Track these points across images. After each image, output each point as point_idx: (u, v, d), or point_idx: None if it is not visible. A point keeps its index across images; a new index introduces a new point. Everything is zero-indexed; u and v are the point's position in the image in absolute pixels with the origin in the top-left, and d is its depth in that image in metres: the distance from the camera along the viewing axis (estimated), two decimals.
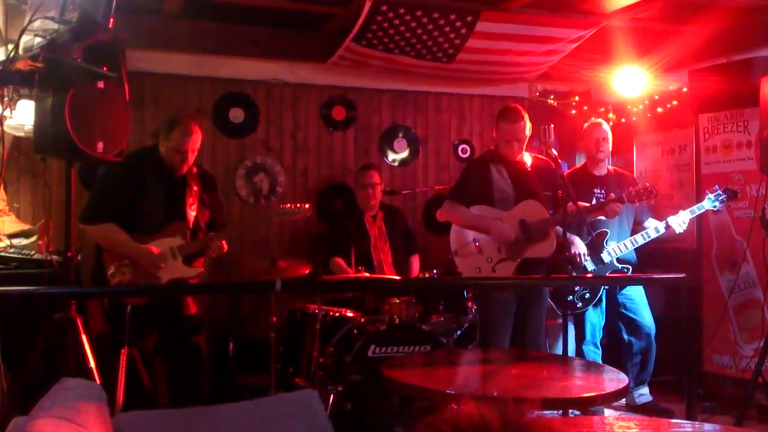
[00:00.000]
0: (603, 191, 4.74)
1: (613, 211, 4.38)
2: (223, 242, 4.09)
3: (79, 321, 2.83)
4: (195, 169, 4.09)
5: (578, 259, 4.47)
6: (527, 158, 4.33)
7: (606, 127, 4.90)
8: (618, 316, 4.86)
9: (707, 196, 4.54)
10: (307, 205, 4.27)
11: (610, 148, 4.91)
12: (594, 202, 4.65)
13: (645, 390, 4.84)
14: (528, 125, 4.25)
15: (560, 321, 4.67)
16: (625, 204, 4.37)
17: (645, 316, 4.79)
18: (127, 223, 3.84)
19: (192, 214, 4.00)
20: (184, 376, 4.01)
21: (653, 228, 4.62)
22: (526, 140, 4.28)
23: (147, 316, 3.77)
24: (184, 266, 3.94)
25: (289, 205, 4.29)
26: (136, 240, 3.84)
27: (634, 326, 4.81)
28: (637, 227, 4.75)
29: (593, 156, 4.84)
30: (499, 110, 4.43)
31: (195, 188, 4.05)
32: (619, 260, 4.63)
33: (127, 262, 3.83)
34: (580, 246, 4.50)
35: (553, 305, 4.70)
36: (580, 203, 4.27)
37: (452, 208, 4.32)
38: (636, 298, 4.81)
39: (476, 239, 4.24)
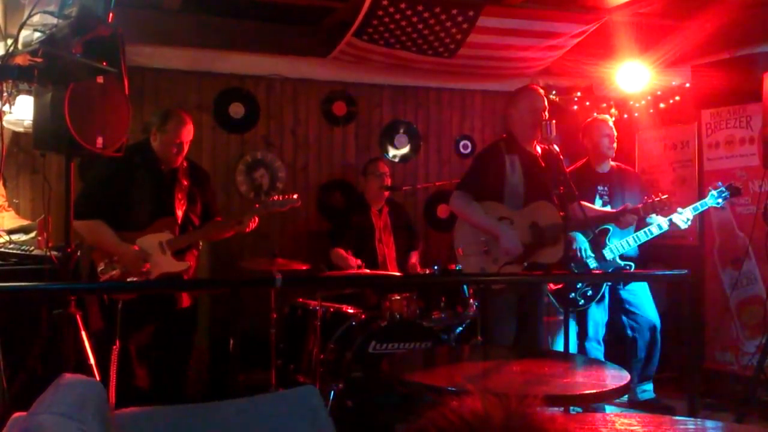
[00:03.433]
0: (606, 188, 4.71)
1: (627, 223, 4.32)
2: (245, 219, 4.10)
3: (78, 317, 2.82)
4: (185, 164, 4.09)
5: (579, 255, 4.43)
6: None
7: (610, 122, 4.87)
8: (621, 313, 4.83)
9: (710, 193, 4.49)
10: (295, 196, 4.26)
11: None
12: (597, 199, 4.62)
13: (648, 386, 4.82)
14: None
15: (562, 317, 4.64)
16: (631, 196, 4.31)
17: (649, 312, 4.76)
18: (115, 218, 3.84)
19: (181, 209, 4.00)
20: (170, 372, 4.01)
21: (656, 225, 4.57)
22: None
23: (140, 310, 3.76)
24: (174, 260, 3.95)
25: (278, 197, 4.30)
26: (124, 236, 3.84)
27: (637, 322, 4.78)
28: (640, 223, 4.71)
29: (603, 153, 4.75)
30: (514, 92, 4.27)
31: (184, 183, 4.05)
32: (621, 257, 4.61)
33: (117, 259, 3.84)
34: (580, 241, 4.47)
35: (555, 302, 4.69)
36: (589, 205, 4.22)
37: (463, 201, 4.01)
38: (639, 294, 4.78)
39: (484, 238, 3.98)
